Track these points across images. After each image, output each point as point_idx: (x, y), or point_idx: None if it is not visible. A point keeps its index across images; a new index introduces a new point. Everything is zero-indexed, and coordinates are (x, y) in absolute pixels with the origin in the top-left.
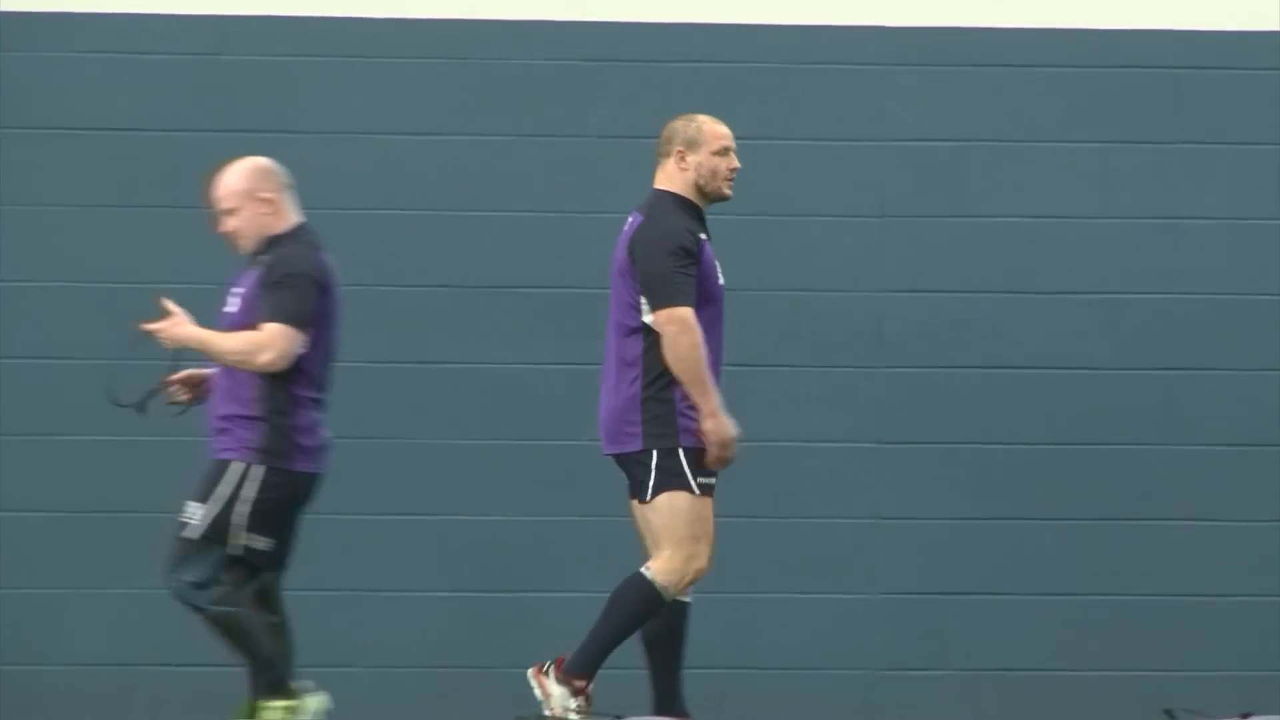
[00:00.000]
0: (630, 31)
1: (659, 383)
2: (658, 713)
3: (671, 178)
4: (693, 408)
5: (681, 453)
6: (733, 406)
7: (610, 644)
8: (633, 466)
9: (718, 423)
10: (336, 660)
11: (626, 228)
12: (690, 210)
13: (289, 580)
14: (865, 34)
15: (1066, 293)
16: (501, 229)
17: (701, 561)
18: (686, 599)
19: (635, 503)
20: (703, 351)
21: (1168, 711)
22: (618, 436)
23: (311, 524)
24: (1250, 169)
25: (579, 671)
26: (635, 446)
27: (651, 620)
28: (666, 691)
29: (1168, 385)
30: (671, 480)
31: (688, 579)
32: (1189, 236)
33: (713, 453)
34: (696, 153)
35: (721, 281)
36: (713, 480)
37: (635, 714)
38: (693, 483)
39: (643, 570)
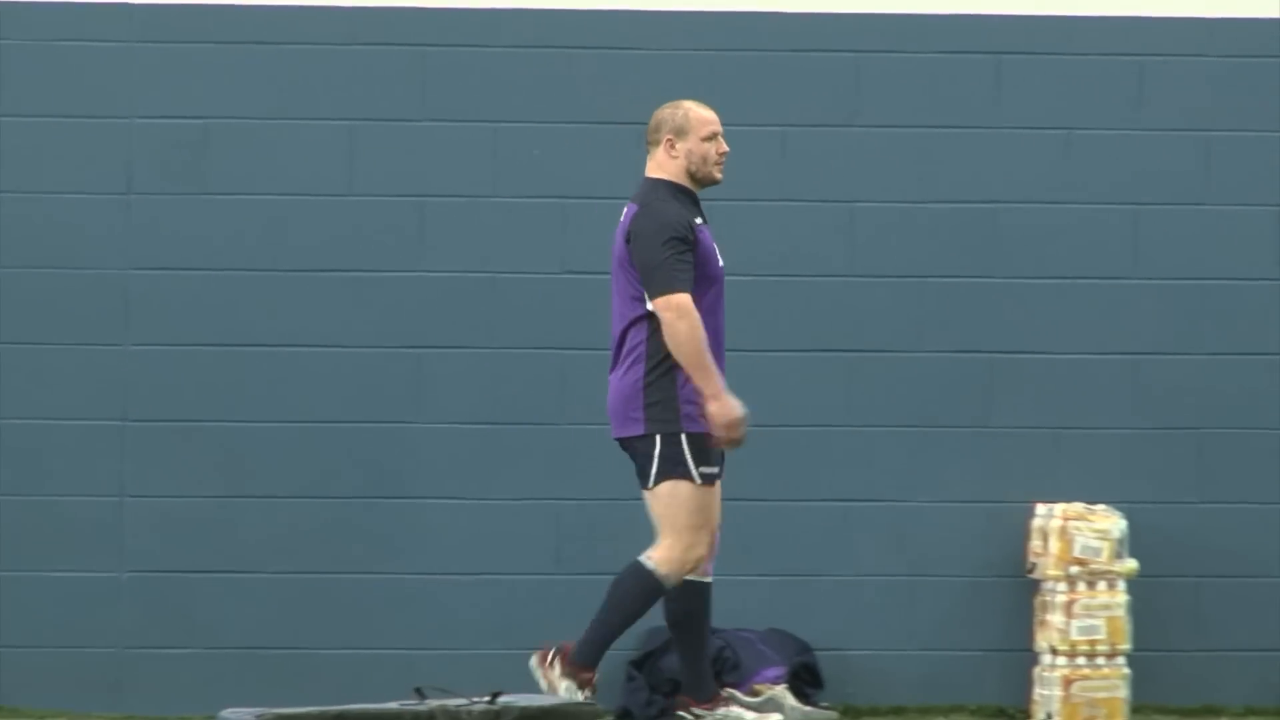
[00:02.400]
0: None
1: (660, 368)
2: (688, 694)
3: (663, 165)
4: (696, 393)
5: (684, 439)
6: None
7: (613, 633)
8: (637, 452)
9: (721, 405)
10: None
11: (624, 218)
12: (684, 196)
13: None
14: (108, 11)
15: (320, 270)
16: None
17: (701, 549)
18: (707, 579)
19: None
20: (701, 335)
21: (418, 689)
22: (624, 421)
23: None
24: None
25: (585, 662)
26: (639, 431)
27: (673, 603)
28: (695, 672)
29: (416, 362)
30: (674, 469)
31: (687, 566)
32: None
33: (719, 435)
34: (685, 140)
35: (721, 264)
36: (715, 470)
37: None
38: (694, 472)
39: (642, 559)
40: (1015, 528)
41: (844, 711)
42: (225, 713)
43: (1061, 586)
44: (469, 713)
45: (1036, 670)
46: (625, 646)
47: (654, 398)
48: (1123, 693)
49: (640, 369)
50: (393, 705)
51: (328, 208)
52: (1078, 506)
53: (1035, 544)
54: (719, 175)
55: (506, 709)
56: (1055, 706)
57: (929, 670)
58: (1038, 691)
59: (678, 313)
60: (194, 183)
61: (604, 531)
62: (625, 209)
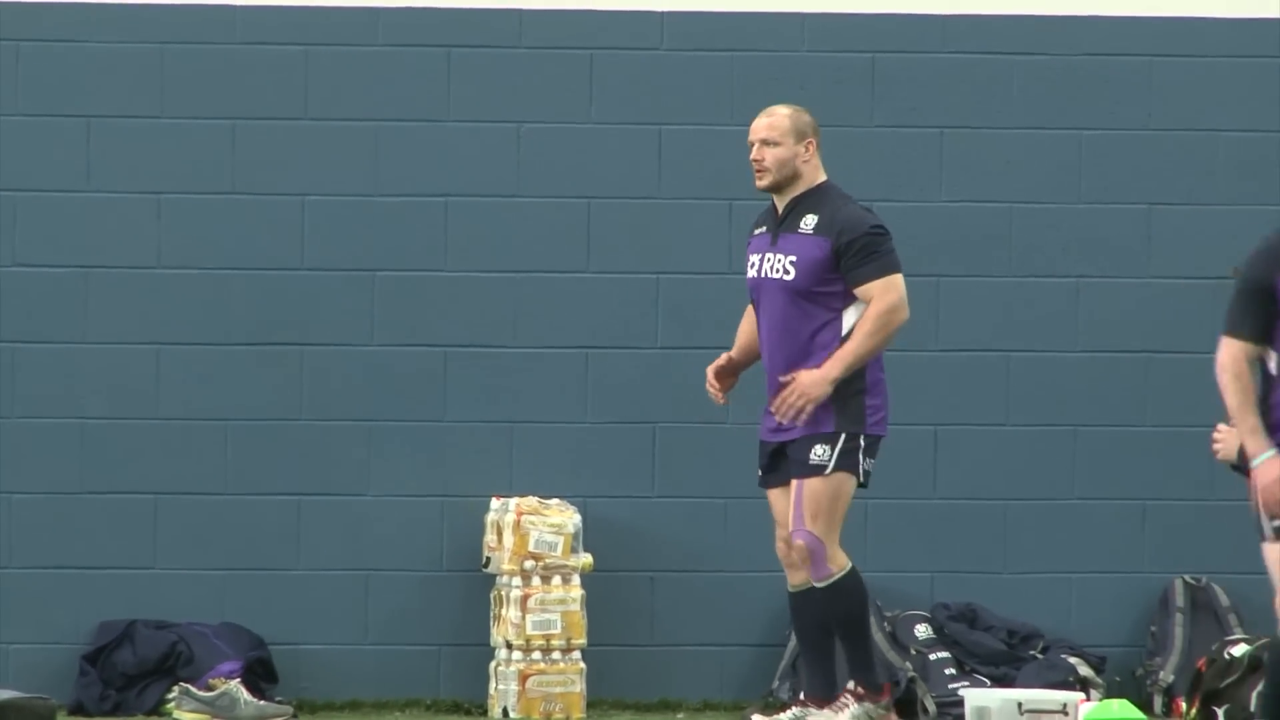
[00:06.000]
0: None
1: None
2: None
3: None
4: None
5: None
6: None
7: (860, 644)
8: None
9: None
10: None
11: None
12: (770, 205)
13: None
14: None
15: None
16: None
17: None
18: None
19: None
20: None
21: None
22: None
23: None
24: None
25: (871, 689)
26: None
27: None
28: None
29: None
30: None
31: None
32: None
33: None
34: None
35: (754, 273)
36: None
37: None
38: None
39: None
40: (470, 521)
41: (299, 707)
42: None
43: (517, 581)
44: None
45: (493, 665)
46: (78, 640)
47: None
48: (579, 687)
49: None
50: None
51: None
52: (532, 500)
53: (490, 538)
54: (757, 183)
55: None
56: (512, 701)
57: (384, 665)
58: (495, 686)
59: None
60: None
61: (52, 526)
62: None
